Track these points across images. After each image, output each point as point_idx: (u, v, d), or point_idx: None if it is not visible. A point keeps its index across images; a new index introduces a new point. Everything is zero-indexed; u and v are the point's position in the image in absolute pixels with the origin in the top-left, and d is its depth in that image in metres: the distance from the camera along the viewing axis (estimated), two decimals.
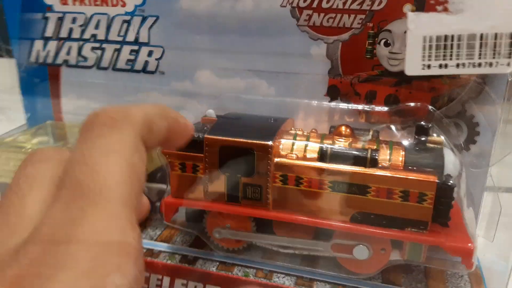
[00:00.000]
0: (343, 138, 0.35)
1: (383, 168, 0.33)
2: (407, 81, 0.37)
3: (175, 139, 0.24)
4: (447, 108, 0.37)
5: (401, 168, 0.33)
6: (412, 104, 0.38)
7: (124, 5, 0.44)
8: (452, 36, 0.29)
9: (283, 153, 0.35)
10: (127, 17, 0.44)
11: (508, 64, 0.28)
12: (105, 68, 0.47)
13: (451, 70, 0.30)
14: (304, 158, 0.35)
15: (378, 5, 0.36)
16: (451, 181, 0.31)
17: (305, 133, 0.37)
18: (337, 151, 0.34)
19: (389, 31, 0.36)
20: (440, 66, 0.30)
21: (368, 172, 0.33)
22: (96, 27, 0.46)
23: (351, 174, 0.33)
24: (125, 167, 0.18)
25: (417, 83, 0.37)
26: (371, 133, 0.37)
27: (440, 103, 0.37)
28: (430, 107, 0.37)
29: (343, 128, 0.36)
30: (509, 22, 0.27)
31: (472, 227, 0.34)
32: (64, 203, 0.16)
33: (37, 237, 0.15)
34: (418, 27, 0.29)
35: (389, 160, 0.33)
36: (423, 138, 0.34)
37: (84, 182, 0.16)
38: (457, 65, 0.29)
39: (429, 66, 0.30)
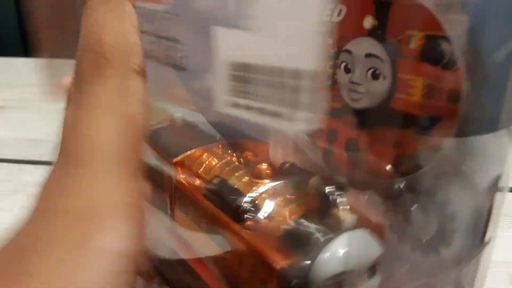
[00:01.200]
0: (256, 177, 0.28)
1: (246, 227, 0.24)
2: (369, 125, 0.26)
3: None
4: (414, 179, 0.24)
5: (277, 235, 0.24)
6: (369, 157, 0.26)
7: None
8: (253, 66, 0.18)
9: (196, 173, 0.30)
10: None
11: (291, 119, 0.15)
12: None
13: (254, 117, 0.19)
14: (197, 187, 0.29)
15: (338, 15, 0.26)
16: (300, 278, 0.21)
17: (232, 158, 0.31)
18: (216, 190, 0.27)
19: (349, 52, 0.26)
20: (247, 107, 0.19)
21: (224, 224, 0.25)
22: None
23: (215, 222, 0.26)
24: (116, 120, 0.16)
25: (380, 131, 0.26)
26: (313, 180, 0.27)
27: (404, 168, 0.25)
28: (389, 168, 0.25)
29: (264, 166, 0.28)
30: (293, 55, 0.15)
31: None
32: (56, 174, 0.16)
33: (32, 211, 0.15)
34: (225, 48, 0.19)
35: (271, 219, 0.24)
36: (331, 206, 0.24)
37: (72, 148, 0.16)
38: (260, 110, 0.18)
39: (237, 105, 0.19)
